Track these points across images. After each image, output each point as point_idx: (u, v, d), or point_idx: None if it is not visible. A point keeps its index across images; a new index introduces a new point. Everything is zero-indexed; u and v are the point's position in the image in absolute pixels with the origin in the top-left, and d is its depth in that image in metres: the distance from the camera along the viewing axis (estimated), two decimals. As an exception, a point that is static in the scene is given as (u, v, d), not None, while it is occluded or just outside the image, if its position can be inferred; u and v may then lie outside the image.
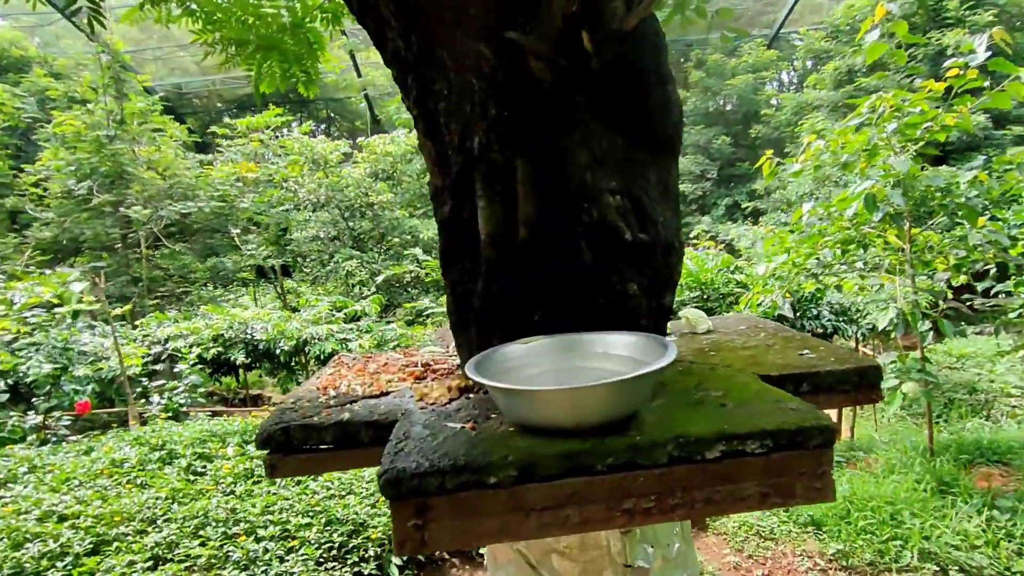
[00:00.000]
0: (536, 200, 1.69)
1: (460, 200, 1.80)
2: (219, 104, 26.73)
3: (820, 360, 1.71)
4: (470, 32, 1.69)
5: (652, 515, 1.27)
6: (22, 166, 14.27)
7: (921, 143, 4.69)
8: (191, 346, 8.65)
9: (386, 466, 1.24)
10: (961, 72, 4.37)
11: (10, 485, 4.38)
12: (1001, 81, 4.27)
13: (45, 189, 13.26)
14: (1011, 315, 5.46)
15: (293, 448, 1.58)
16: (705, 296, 6.87)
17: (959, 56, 4.42)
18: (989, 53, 4.24)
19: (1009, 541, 3.75)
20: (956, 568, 3.61)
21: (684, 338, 2.20)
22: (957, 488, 4.33)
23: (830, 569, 3.81)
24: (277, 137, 16.20)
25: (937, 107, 4.50)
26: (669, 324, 2.38)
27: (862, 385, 1.65)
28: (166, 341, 8.93)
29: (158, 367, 8.85)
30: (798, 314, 7.36)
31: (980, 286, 5.67)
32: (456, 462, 1.22)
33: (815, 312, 7.36)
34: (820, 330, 7.72)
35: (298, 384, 8.91)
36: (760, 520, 4.25)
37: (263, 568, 3.41)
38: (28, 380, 6.91)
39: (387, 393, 1.80)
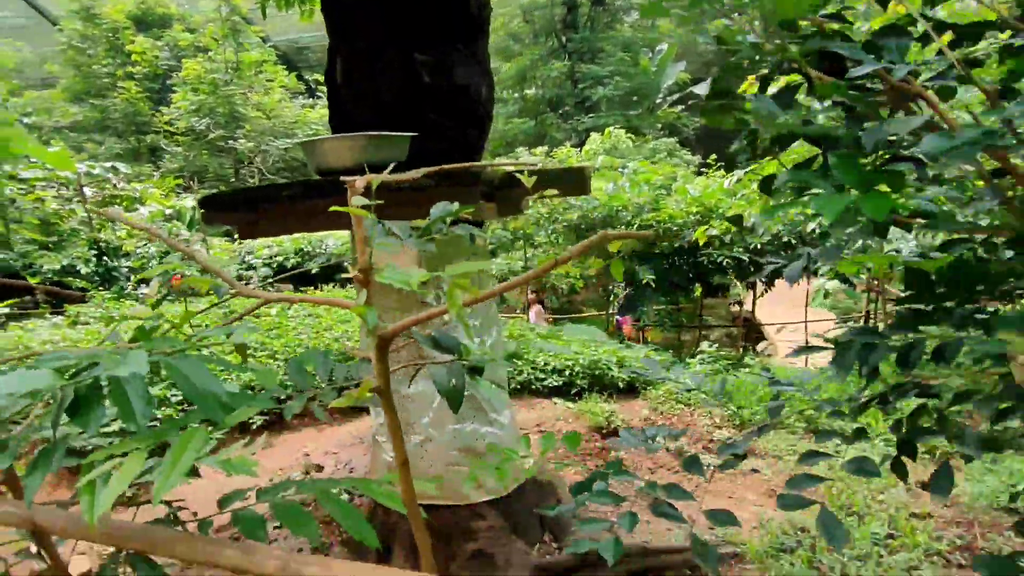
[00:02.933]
0: (370, 60, 2.59)
1: (332, 71, 2.73)
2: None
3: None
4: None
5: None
6: (160, 108, 16.71)
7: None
8: (275, 256, 10.25)
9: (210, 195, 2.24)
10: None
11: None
12: None
13: (176, 128, 15.53)
14: None
15: (220, 205, 2.62)
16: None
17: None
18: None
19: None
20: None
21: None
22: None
23: (724, 426, 4.48)
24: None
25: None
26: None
27: (573, 181, 2.44)
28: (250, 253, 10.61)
29: (250, 274, 10.53)
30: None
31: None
32: (257, 188, 2.19)
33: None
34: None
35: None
36: (681, 389, 4.92)
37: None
38: (148, 266, 8.72)
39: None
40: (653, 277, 7.27)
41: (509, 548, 2.77)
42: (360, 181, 0.99)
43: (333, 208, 0.98)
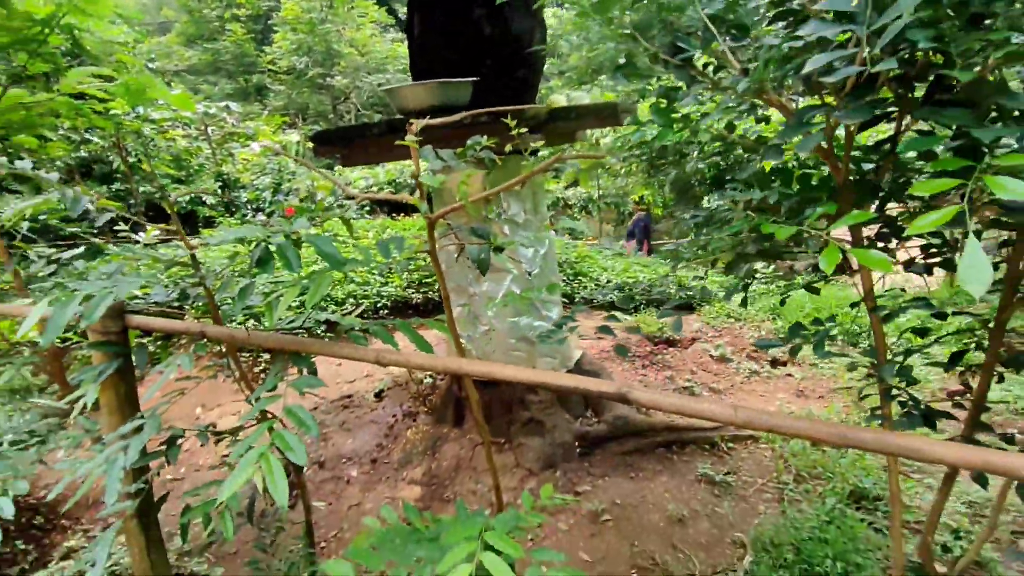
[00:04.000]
0: (442, 13, 3.09)
1: (411, 25, 3.25)
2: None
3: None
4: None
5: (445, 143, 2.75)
6: (264, 48, 17.82)
7: None
8: (370, 187, 11.14)
9: (317, 132, 2.87)
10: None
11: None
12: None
13: (278, 67, 16.59)
14: None
15: (324, 141, 3.28)
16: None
17: None
18: None
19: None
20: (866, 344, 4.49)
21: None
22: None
23: (769, 336, 4.86)
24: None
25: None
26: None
27: (606, 115, 2.88)
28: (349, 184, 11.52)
29: (348, 203, 11.49)
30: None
31: None
32: (352, 127, 2.81)
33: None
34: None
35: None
36: (735, 305, 5.30)
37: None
38: (262, 196, 9.84)
39: (379, 125, 3.40)
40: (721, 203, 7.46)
41: (557, 418, 3.43)
42: (417, 124, 1.55)
43: (398, 142, 1.56)
